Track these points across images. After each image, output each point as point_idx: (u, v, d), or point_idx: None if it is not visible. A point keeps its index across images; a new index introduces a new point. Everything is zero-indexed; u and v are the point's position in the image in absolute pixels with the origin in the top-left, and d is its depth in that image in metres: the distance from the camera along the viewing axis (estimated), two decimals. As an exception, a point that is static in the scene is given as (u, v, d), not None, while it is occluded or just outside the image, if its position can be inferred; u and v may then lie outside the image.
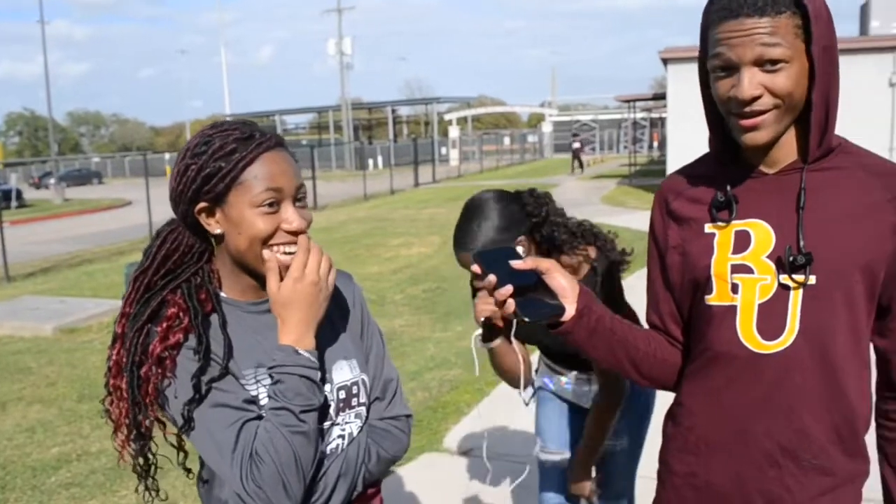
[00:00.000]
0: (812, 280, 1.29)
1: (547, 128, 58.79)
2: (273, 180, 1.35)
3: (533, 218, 2.17)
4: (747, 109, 1.26)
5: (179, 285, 1.42)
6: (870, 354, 1.37)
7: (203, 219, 1.40)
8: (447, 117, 58.31)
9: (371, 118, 69.92)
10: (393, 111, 62.64)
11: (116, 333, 1.41)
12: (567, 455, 2.61)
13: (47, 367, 6.87)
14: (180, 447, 1.50)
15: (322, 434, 1.42)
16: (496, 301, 1.39)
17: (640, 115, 40.23)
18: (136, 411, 1.38)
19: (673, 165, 16.76)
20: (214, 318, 1.41)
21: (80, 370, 6.70)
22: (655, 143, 44.64)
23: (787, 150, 1.34)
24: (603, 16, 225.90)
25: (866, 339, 1.35)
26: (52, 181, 36.46)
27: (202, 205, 1.38)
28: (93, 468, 4.61)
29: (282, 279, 1.36)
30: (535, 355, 2.72)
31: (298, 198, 1.40)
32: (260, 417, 1.36)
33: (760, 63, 1.23)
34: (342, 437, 1.47)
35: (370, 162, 41.21)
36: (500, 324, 2.19)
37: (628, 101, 30.20)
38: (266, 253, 1.36)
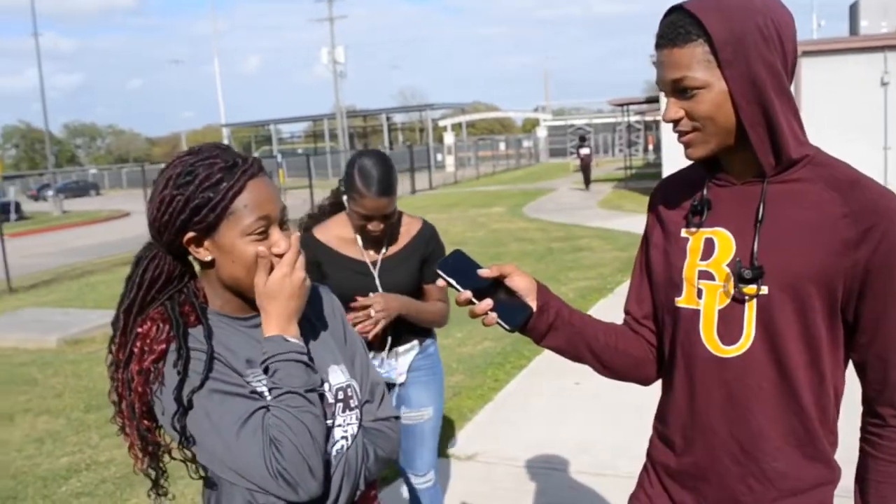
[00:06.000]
0: (764, 290, 1.34)
1: (542, 132, 59.03)
2: (262, 208, 1.39)
3: None
4: (674, 130, 1.36)
5: (162, 303, 1.45)
6: (828, 367, 1.38)
7: (192, 248, 1.43)
8: (442, 123, 58.30)
9: (366, 126, 70.02)
10: (388, 118, 62.76)
11: (119, 360, 1.45)
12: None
13: (53, 379, 6.94)
14: (192, 459, 1.46)
15: (328, 433, 1.46)
16: (476, 313, 1.42)
17: (633, 118, 40.33)
18: (141, 427, 1.43)
19: (668, 169, 16.76)
20: (198, 331, 1.43)
21: (85, 381, 6.78)
22: (651, 147, 44.74)
23: (752, 162, 1.37)
24: (590, 22, 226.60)
25: (825, 351, 1.37)
26: (50, 193, 36.55)
27: (191, 235, 1.41)
28: (103, 477, 4.68)
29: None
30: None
31: (283, 220, 1.45)
32: (267, 409, 1.39)
33: (677, 90, 1.31)
34: (345, 437, 1.50)
35: (366, 169, 41.08)
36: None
37: (622, 105, 30.20)
38: (261, 249, 1.40)
